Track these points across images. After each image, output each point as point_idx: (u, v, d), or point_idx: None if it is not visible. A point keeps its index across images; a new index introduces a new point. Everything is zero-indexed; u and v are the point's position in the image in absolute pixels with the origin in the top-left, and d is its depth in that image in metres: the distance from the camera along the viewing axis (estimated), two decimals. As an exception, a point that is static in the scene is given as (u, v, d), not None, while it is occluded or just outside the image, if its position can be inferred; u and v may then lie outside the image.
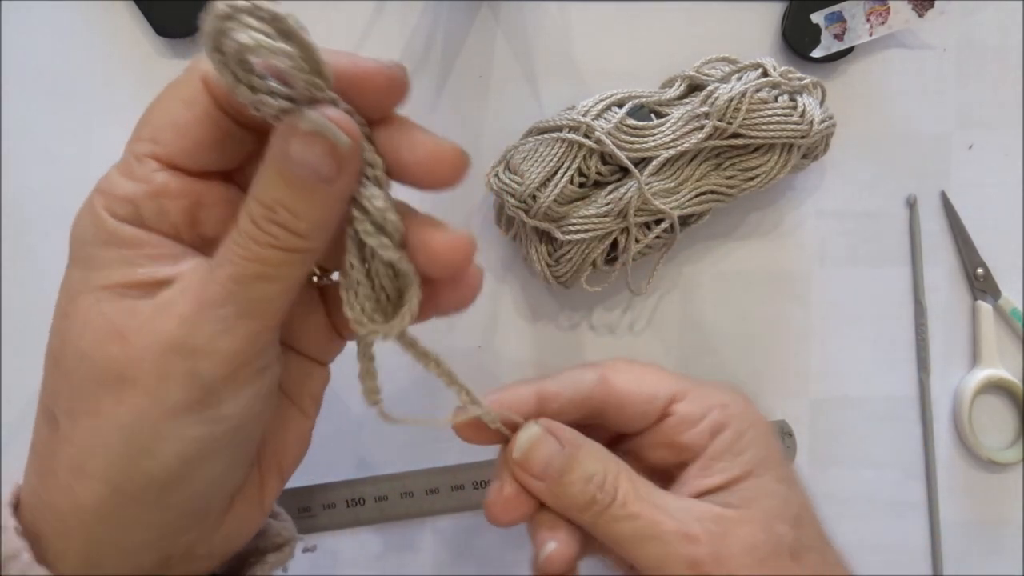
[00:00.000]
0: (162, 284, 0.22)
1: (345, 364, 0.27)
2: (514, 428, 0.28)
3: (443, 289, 0.24)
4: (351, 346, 0.26)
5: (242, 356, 0.22)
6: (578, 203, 0.36)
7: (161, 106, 0.23)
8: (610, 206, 0.36)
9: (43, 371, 0.23)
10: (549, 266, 0.37)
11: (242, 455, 0.24)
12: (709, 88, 0.37)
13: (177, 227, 0.23)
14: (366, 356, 0.25)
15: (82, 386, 0.22)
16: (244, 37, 0.19)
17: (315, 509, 0.39)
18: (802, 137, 0.37)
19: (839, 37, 0.40)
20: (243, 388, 0.22)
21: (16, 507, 0.24)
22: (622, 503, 0.27)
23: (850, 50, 0.40)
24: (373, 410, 0.26)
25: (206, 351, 0.21)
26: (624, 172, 0.37)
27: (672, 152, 0.36)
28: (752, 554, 0.26)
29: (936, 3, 0.40)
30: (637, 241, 0.37)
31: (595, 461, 0.28)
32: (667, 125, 0.37)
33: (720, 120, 0.36)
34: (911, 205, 0.42)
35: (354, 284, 0.23)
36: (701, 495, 0.28)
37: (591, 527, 0.27)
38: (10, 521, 0.23)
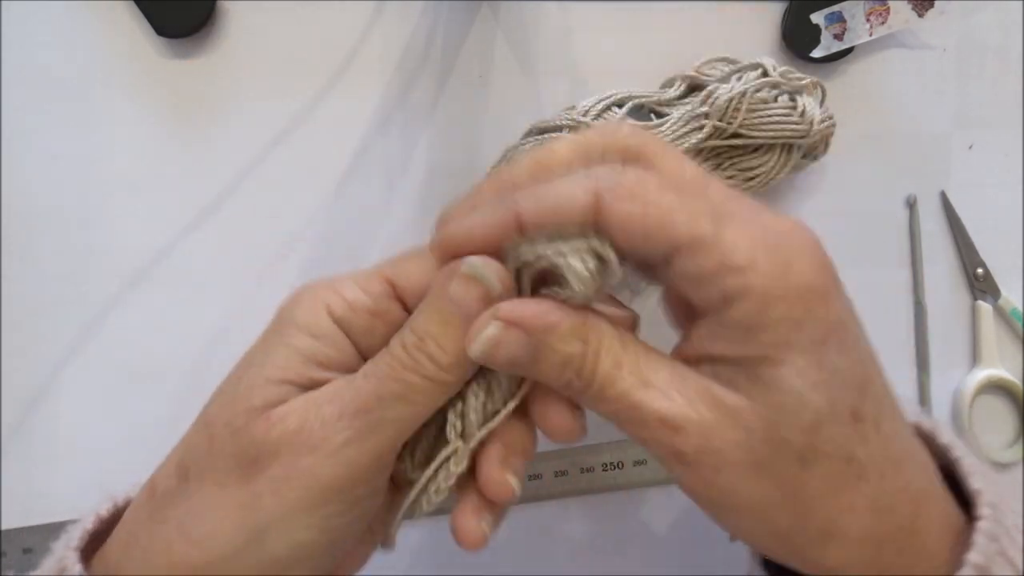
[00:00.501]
0: (320, 383, 0.24)
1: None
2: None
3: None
4: None
5: (360, 471, 0.23)
6: (578, 203, 0.37)
7: (417, 256, 0.26)
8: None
9: (194, 423, 0.25)
10: (549, 266, 0.37)
11: (326, 567, 0.25)
12: (709, 88, 0.37)
13: (369, 343, 0.25)
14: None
15: (220, 455, 0.23)
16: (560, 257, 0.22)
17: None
18: (802, 137, 0.37)
19: (839, 37, 0.40)
20: (352, 504, 0.23)
21: (85, 550, 0.24)
22: (600, 386, 0.23)
23: (850, 50, 0.40)
24: None
25: (333, 456, 0.22)
26: (624, 172, 0.36)
27: (672, 152, 0.36)
28: (747, 454, 0.22)
29: (936, 3, 0.40)
30: (637, 241, 0.37)
31: (568, 343, 0.23)
32: (667, 125, 0.37)
33: (720, 120, 0.36)
34: (911, 205, 0.42)
35: (418, 439, 0.25)
36: (705, 361, 0.23)
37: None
38: (76, 567, 0.23)
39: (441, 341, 0.23)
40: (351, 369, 0.24)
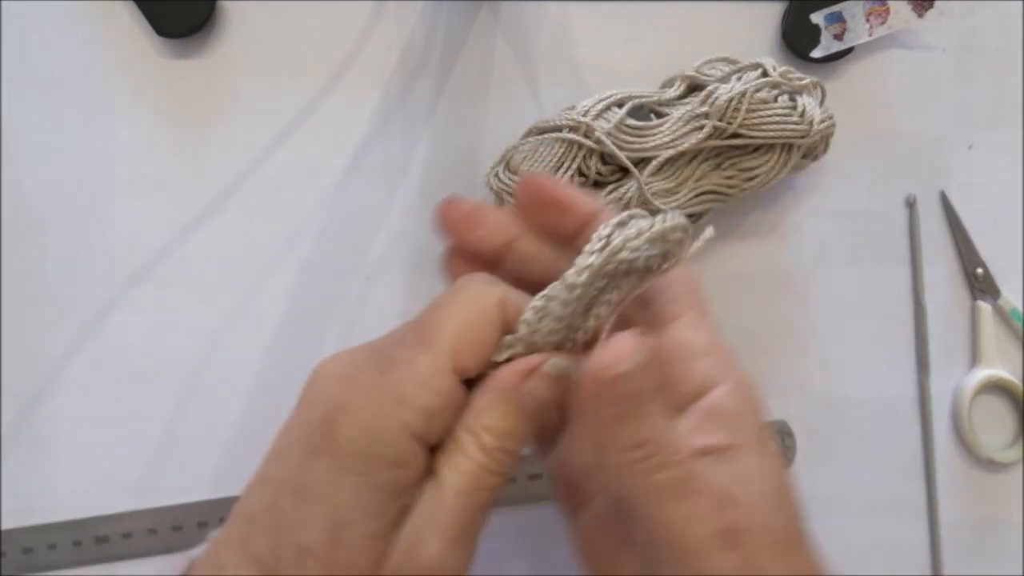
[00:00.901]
0: (406, 509, 0.23)
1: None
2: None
3: None
4: None
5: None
6: (578, 203, 0.37)
7: (461, 321, 0.23)
8: (610, 206, 0.36)
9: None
10: (549, 266, 0.37)
11: None
12: (709, 88, 0.37)
13: (438, 436, 0.23)
14: None
15: None
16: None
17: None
18: (802, 137, 0.37)
19: (839, 37, 0.40)
20: None
21: None
22: (676, 449, 0.22)
23: (850, 50, 0.40)
24: None
25: None
26: (624, 172, 0.37)
27: (672, 152, 0.36)
28: (771, 534, 0.22)
29: (936, 3, 0.40)
30: (637, 241, 0.37)
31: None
32: (667, 125, 0.37)
33: (720, 120, 0.36)
34: (911, 205, 0.42)
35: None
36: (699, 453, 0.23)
37: (619, 471, 0.23)
38: None
39: (521, 434, 0.23)
40: (421, 469, 0.23)
